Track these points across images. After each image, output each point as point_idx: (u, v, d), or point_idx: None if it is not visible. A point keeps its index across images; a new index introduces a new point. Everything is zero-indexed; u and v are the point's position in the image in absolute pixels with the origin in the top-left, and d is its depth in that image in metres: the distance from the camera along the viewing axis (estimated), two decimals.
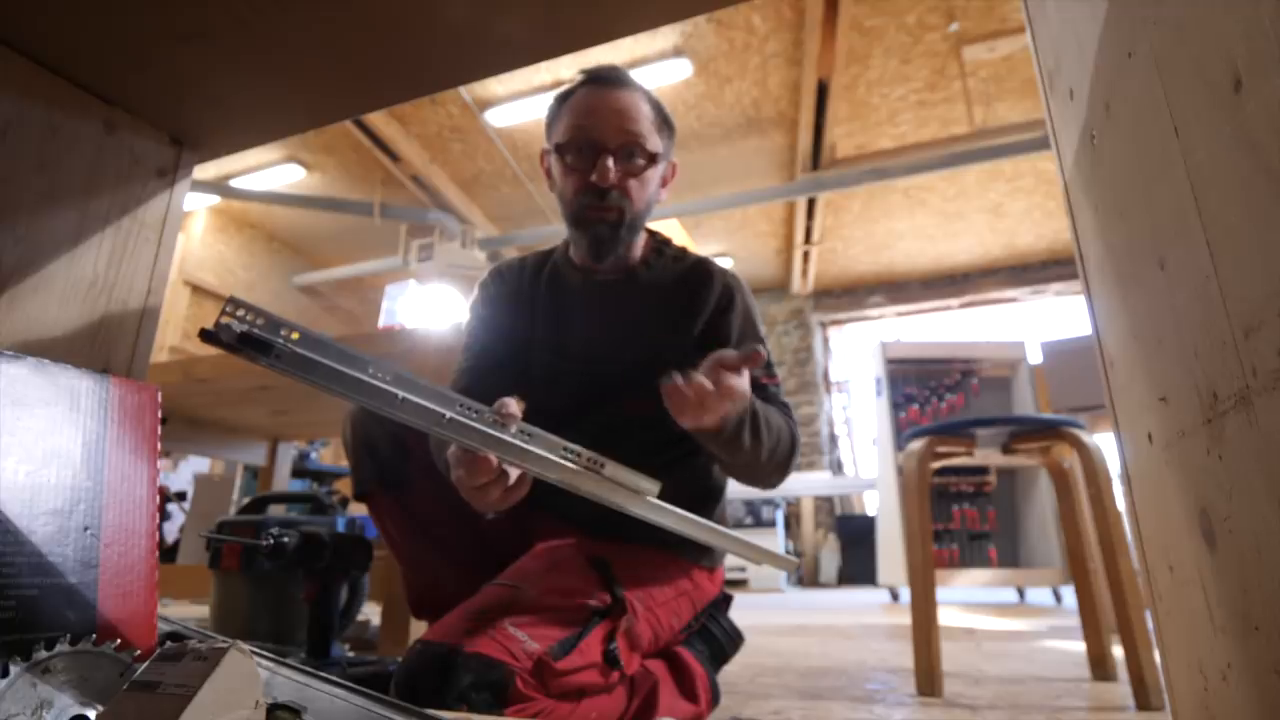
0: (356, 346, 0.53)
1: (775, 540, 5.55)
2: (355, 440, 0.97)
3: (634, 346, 0.97)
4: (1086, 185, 0.51)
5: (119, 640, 0.44)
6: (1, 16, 0.61)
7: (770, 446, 0.86)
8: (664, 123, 0.98)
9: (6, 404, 0.48)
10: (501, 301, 1.06)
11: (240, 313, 0.46)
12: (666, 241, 1.06)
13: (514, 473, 0.67)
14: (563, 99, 0.97)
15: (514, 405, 0.65)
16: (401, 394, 0.54)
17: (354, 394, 0.52)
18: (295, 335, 0.48)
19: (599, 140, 0.92)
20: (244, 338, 0.45)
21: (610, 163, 0.91)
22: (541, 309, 1.03)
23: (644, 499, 0.70)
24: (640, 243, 1.02)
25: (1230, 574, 0.35)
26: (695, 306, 0.97)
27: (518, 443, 0.63)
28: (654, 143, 0.95)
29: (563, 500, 0.69)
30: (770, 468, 0.90)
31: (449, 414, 0.58)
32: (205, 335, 0.45)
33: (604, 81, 0.95)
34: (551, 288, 1.04)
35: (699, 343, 0.96)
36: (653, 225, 1.07)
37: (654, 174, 0.96)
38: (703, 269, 1.01)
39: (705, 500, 1.01)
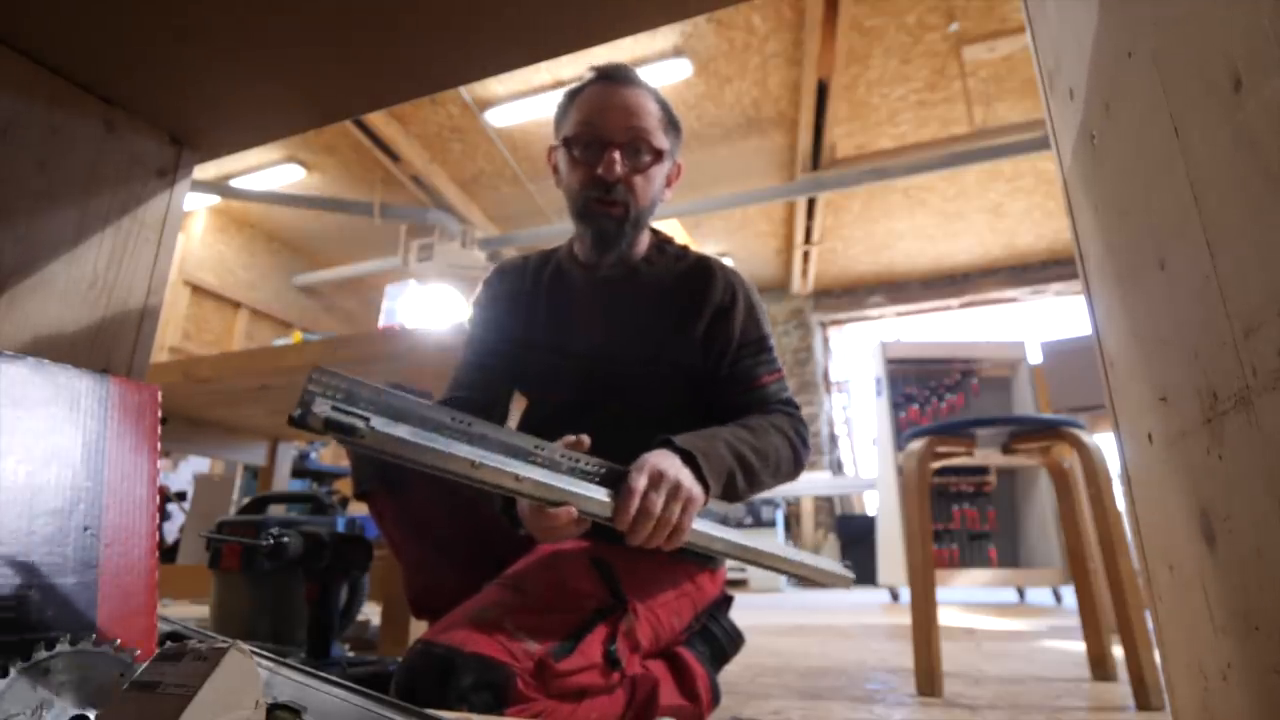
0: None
1: (775, 540, 5.54)
2: None
3: (635, 344, 0.97)
4: (1086, 185, 0.51)
5: (119, 640, 0.44)
6: (1, 16, 0.61)
7: (772, 468, 0.90)
8: (670, 123, 0.99)
9: (6, 404, 0.48)
10: (504, 299, 1.06)
11: (323, 383, 0.47)
12: (668, 240, 1.07)
13: None
14: (573, 95, 0.98)
15: (585, 442, 0.68)
16: (478, 459, 0.57)
17: (434, 465, 0.55)
18: (376, 401, 0.51)
19: (606, 135, 0.93)
20: (329, 423, 0.48)
21: (616, 156, 0.92)
22: (543, 307, 1.04)
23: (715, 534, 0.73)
24: (644, 240, 1.03)
25: (1230, 574, 0.35)
26: (697, 306, 0.97)
27: (599, 496, 0.66)
28: (660, 140, 0.96)
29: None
30: (779, 480, 0.94)
31: (523, 473, 0.60)
32: (294, 420, 0.48)
33: (614, 79, 0.96)
34: (553, 285, 1.04)
35: (703, 343, 0.97)
36: (653, 224, 1.07)
37: (659, 171, 0.97)
38: (704, 267, 1.01)
39: None
